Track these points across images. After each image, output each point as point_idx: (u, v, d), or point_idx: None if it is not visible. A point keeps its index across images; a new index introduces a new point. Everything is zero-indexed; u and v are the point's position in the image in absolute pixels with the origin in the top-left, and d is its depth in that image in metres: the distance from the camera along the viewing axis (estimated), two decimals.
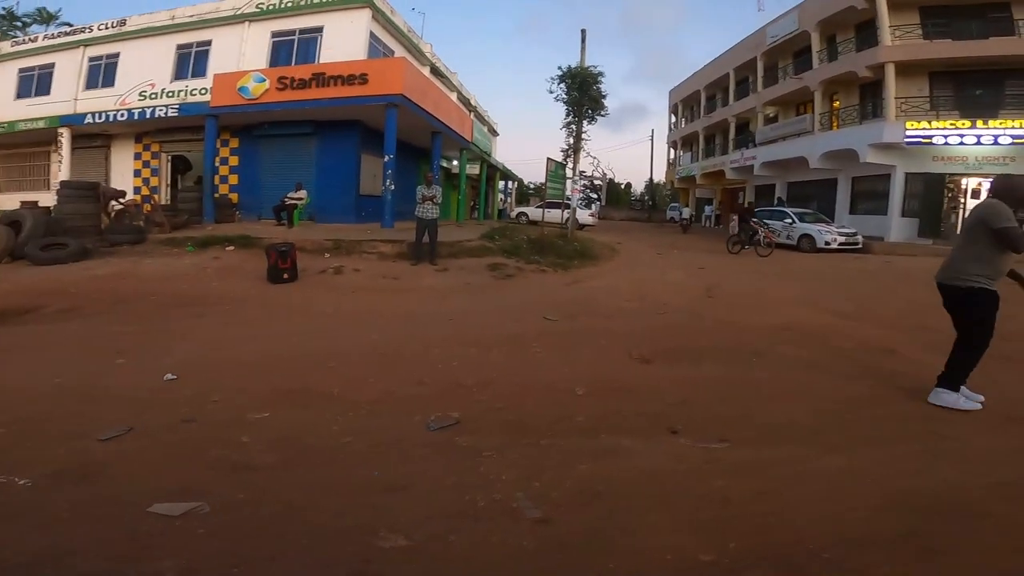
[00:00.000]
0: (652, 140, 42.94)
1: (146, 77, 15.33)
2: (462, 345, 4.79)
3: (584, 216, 21.34)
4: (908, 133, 17.17)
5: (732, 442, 2.86)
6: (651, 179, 45.49)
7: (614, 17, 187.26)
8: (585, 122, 14.20)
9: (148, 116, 14.78)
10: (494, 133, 31.62)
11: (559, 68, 13.95)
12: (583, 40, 14.47)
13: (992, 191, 3.53)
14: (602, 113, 14.20)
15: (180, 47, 15.53)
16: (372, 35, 14.84)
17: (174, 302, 6.49)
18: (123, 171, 16.64)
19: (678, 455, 2.71)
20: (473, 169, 22.61)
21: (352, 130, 13.74)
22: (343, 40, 14.09)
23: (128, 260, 8.33)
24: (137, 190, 15.35)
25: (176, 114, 14.36)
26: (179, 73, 15.38)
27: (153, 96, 15.21)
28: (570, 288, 8.05)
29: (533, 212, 22.80)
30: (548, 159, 14.21)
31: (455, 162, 20.74)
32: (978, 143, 16.41)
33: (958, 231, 3.45)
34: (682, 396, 3.62)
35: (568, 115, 14.21)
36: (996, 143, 16.18)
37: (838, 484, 2.42)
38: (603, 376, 3.98)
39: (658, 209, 42.66)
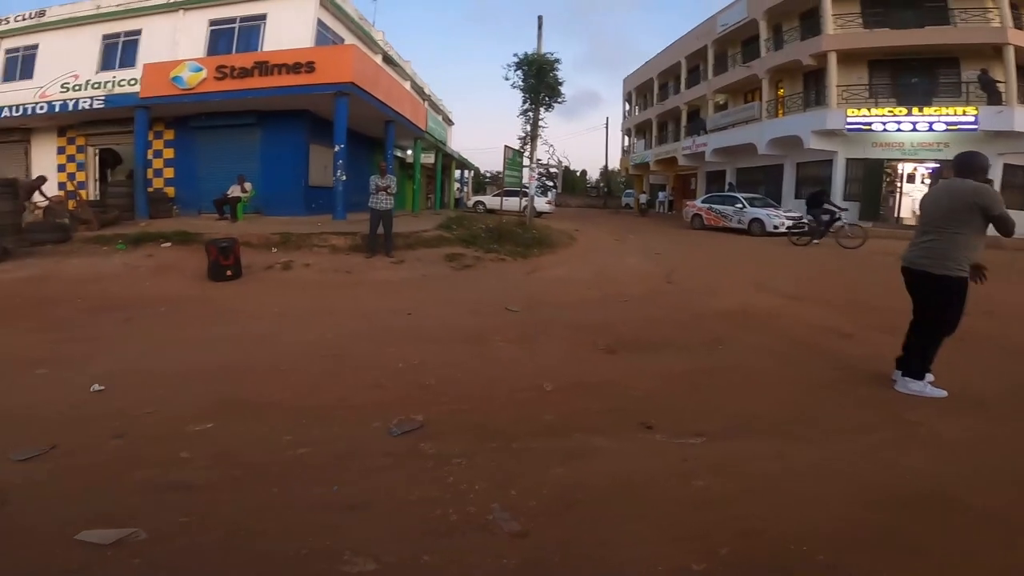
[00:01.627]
0: (607, 128, 43.38)
1: (69, 68, 14.45)
2: (421, 342, 4.57)
3: (541, 204, 21.27)
4: (849, 120, 17.83)
5: (707, 436, 2.78)
6: (606, 166, 45.84)
7: (568, 4, 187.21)
8: (542, 109, 14.10)
9: (71, 108, 13.68)
10: (449, 122, 31.17)
11: (515, 55, 13.84)
12: (539, 27, 14.34)
13: (958, 170, 3.40)
14: (559, 100, 14.13)
15: (106, 37, 14.66)
16: (320, 23, 14.34)
17: (103, 305, 5.96)
18: (45, 166, 15.38)
19: (654, 453, 2.61)
20: (428, 158, 22.18)
21: (300, 120, 13.18)
22: (288, 28, 13.54)
23: (51, 261, 7.66)
24: (62, 186, 14.26)
25: (102, 106, 13.34)
26: (105, 64, 14.55)
27: (77, 88, 14.29)
28: (530, 277, 7.91)
29: (490, 201, 22.59)
30: (506, 147, 14.07)
31: (409, 151, 20.25)
32: (914, 130, 17.12)
33: (927, 214, 3.32)
34: (650, 388, 3.54)
35: (525, 102, 14.07)
36: (931, 129, 16.91)
37: (815, 479, 2.38)
38: (569, 370, 3.85)
39: (613, 196, 43.08)
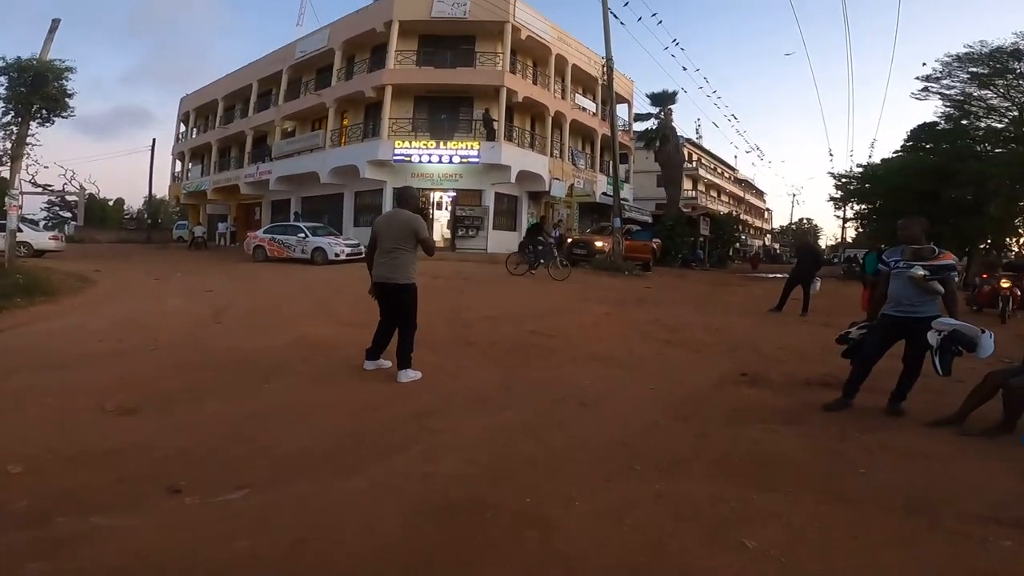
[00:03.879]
0: (153, 151, 36.45)
1: None
2: None
3: (44, 240, 15.95)
4: (396, 151, 19.73)
5: (251, 487, 2.50)
6: (151, 194, 38.66)
7: (134, 8, 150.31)
8: (35, 124, 10.77)
9: None
10: None
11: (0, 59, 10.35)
12: (52, 31, 11.05)
13: (399, 202, 4.45)
14: (63, 114, 11.04)
15: None
16: None
17: None
18: None
19: (186, 520, 2.22)
20: None
21: None
22: None
23: None
24: None
25: None
26: None
27: None
28: (3, 336, 5.57)
29: None
30: None
31: None
32: (440, 161, 20.11)
33: (384, 238, 4.29)
34: (182, 445, 2.95)
35: (6, 114, 10.58)
36: (451, 162, 20.13)
37: (365, 509, 2.36)
38: (58, 443, 2.91)
39: (161, 228, 36.89)
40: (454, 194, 21.02)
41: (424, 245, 4.32)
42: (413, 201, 4.45)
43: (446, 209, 21.39)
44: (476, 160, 19.84)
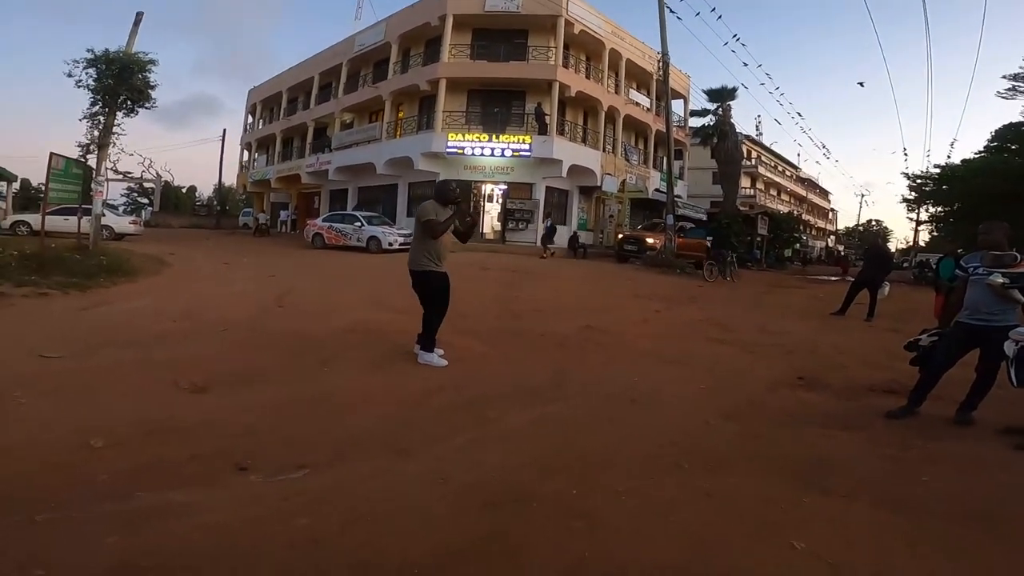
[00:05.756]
0: (224, 141, 38.46)
1: None
2: None
3: (124, 224, 17.16)
4: (449, 144, 20.04)
5: (311, 468, 2.59)
6: (220, 182, 40.87)
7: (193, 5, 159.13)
8: (120, 114, 11.49)
9: None
10: None
11: (89, 51, 10.99)
12: (136, 24, 11.80)
13: (433, 194, 4.63)
14: (147, 105, 11.73)
15: None
16: None
17: None
18: None
19: (251, 497, 2.31)
20: None
21: None
22: None
23: None
24: None
25: None
26: None
27: None
28: (89, 313, 6.04)
29: (50, 221, 16.95)
30: (52, 155, 10.88)
31: None
32: (492, 155, 20.26)
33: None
34: (248, 424, 3.10)
35: (95, 104, 11.19)
36: (503, 155, 20.27)
37: (417, 492, 2.42)
38: (138, 418, 3.07)
39: (229, 215, 38.88)
40: (505, 187, 21.12)
41: (425, 229, 4.38)
42: (441, 193, 4.58)
43: (497, 202, 21.52)
44: (528, 154, 19.89)
